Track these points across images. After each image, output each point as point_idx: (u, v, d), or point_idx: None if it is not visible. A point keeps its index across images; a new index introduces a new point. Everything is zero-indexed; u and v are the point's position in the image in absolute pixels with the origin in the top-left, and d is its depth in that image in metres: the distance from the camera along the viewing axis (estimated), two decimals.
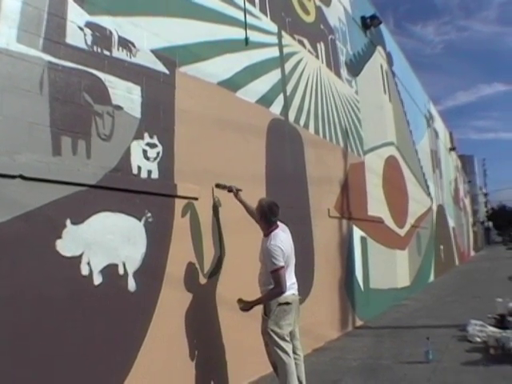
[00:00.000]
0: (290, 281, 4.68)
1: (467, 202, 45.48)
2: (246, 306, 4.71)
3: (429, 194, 20.42)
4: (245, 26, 6.61)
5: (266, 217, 4.77)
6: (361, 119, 11.41)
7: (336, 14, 11.00)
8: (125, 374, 4.04)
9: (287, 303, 4.57)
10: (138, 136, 4.52)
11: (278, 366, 4.53)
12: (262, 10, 7.32)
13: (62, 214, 3.69)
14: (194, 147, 5.23)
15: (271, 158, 6.78)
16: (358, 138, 11.08)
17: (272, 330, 4.50)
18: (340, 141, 9.80)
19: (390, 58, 16.12)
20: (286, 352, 4.49)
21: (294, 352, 4.68)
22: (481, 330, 7.44)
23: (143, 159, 4.54)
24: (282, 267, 4.48)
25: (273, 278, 4.50)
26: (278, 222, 4.84)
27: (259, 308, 4.70)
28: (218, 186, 5.39)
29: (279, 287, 4.46)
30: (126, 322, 4.13)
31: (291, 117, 7.71)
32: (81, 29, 4.09)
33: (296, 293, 4.77)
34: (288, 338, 4.58)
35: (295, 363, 4.60)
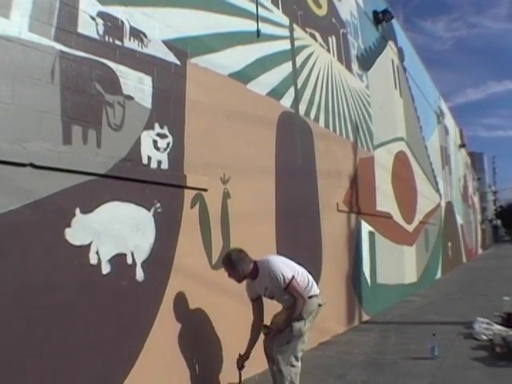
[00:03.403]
0: (313, 286, 4.63)
1: (476, 199, 45.28)
2: (276, 331, 4.48)
3: (438, 191, 20.34)
4: (256, 18, 6.59)
5: (240, 267, 4.44)
6: (371, 114, 11.35)
7: (348, 8, 10.93)
8: (132, 362, 4.07)
9: (320, 305, 4.58)
10: (149, 126, 4.52)
11: (291, 365, 4.38)
12: (274, 2, 7.29)
13: (72, 202, 3.70)
14: (204, 138, 5.23)
15: (281, 151, 6.76)
16: (368, 132, 11.03)
17: (306, 332, 4.45)
18: (350, 135, 9.77)
19: (401, 53, 16.01)
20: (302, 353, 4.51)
21: None
22: (487, 327, 7.42)
23: (153, 149, 4.54)
24: (293, 278, 4.37)
25: (290, 293, 4.38)
26: (257, 261, 4.56)
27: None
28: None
29: (301, 297, 4.36)
30: (133, 312, 4.15)
31: (301, 110, 7.69)
32: (93, 18, 4.08)
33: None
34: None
35: None
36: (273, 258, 4.60)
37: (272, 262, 4.47)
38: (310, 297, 4.50)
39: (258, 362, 4.88)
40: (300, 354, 4.45)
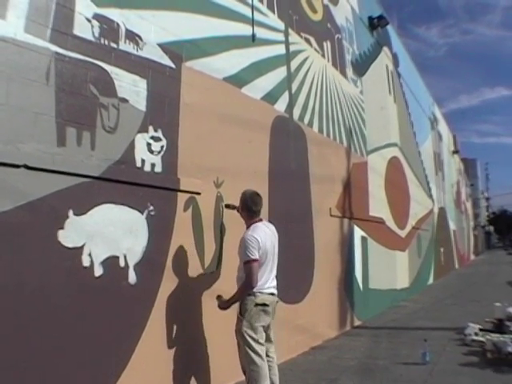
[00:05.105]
0: (270, 282, 4.52)
1: (469, 205, 45.43)
2: (223, 304, 4.60)
3: (431, 196, 20.41)
4: (252, 22, 6.61)
5: (247, 205, 4.63)
6: (365, 119, 11.40)
7: (343, 14, 10.99)
8: (123, 365, 4.06)
9: (264, 304, 4.39)
10: (143, 129, 4.52)
11: (249, 369, 4.32)
12: (270, 7, 7.32)
13: (65, 204, 3.70)
14: (197, 142, 5.24)
15: (274, 155, 6.78)
16: (362, 137, 11.07)
17: (246, 332, 4.32)
18: (344, 140, 9.80)
19: (395, 59, 16.09)
20: (259, 355, 4.31)
21: (268, 355, 4.52)
22: (478, 333, 7.44)
23: (147, 152, 4.54)
24: (255, 260, 4.31)
25: (244, 270, 4.36)
26: (265, 221, 4.75)
27: None
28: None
29: (248, 280, 4.29)
30: (125, 314, 4.14)
31: (296, 114, 7.71)
32: (88, 20, 4.09)
33: (275, 293, 4.58)
34: (262, 341, 4.39)
35: (269, 365, 4.42)
36: (262, 231, 4.52)
37: (255, 231, 4.48)
38: (251, 294, 4.37)
39: (238, 371, 4.84)
40: (256, 357, 4.29)
